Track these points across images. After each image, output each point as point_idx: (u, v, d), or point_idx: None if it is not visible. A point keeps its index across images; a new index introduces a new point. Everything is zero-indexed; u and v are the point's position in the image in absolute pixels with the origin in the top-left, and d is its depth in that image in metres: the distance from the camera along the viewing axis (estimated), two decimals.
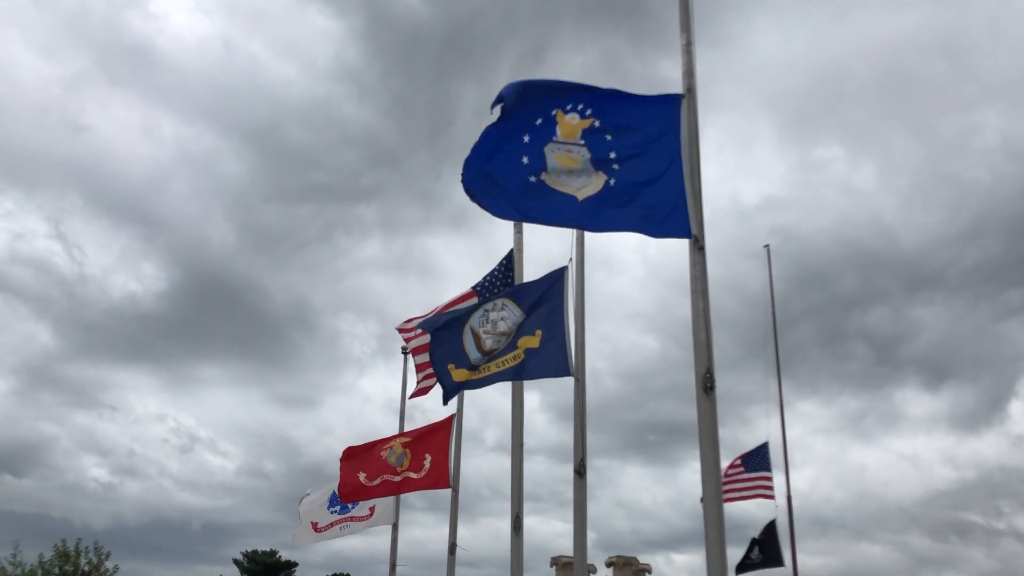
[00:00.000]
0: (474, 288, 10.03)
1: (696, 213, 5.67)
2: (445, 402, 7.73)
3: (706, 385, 5.18)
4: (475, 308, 7.73)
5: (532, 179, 6.05)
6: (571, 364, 7.25)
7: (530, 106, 6.07)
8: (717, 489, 5.25)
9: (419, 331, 10.55)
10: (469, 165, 6.07)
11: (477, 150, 6.08)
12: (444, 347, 7.54)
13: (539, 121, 6.07)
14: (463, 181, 6.08)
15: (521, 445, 9.14)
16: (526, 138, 6.07)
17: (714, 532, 5.09)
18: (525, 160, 6.06)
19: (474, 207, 6.15)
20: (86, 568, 26.49)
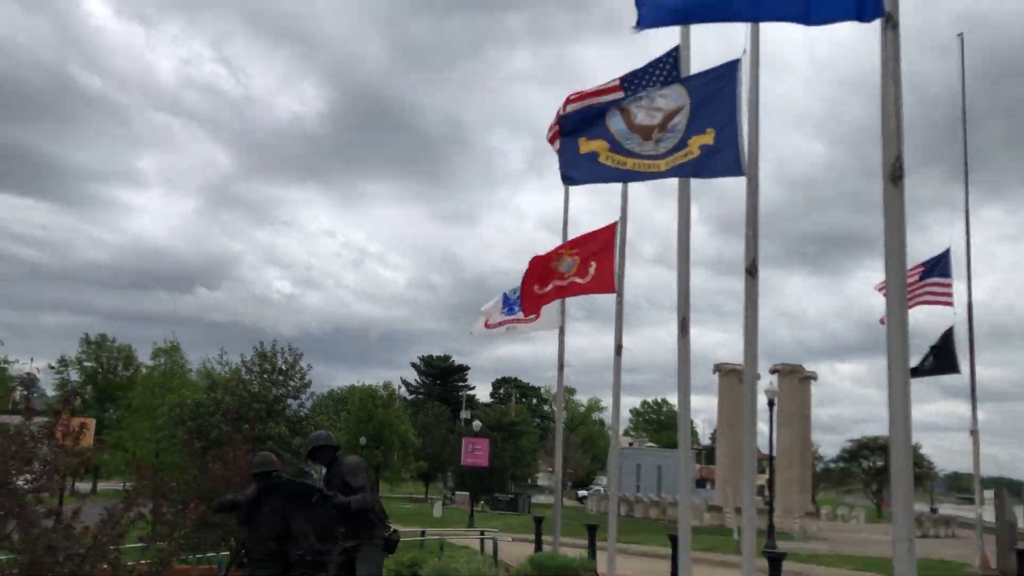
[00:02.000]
0: (621, 82, 8.25)
1: None
2: (571, 182, 7.16)
3: (895, 174, 4.83)
4: (623, 98, 7.21)
5: None
6: (743, 162, 6.95)
7: None
8: (902, 288, 5.00)
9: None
10: None
11: None
12: (577, 123, 6.97)
13: None
14: None
15: (688, 245, 9.02)
16: None
17: (897, 335, 4.88)
18: None
19: (628, 9, 5.73)
20: (283, 367, 29.17)
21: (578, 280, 11.49)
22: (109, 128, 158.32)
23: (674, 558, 13.17)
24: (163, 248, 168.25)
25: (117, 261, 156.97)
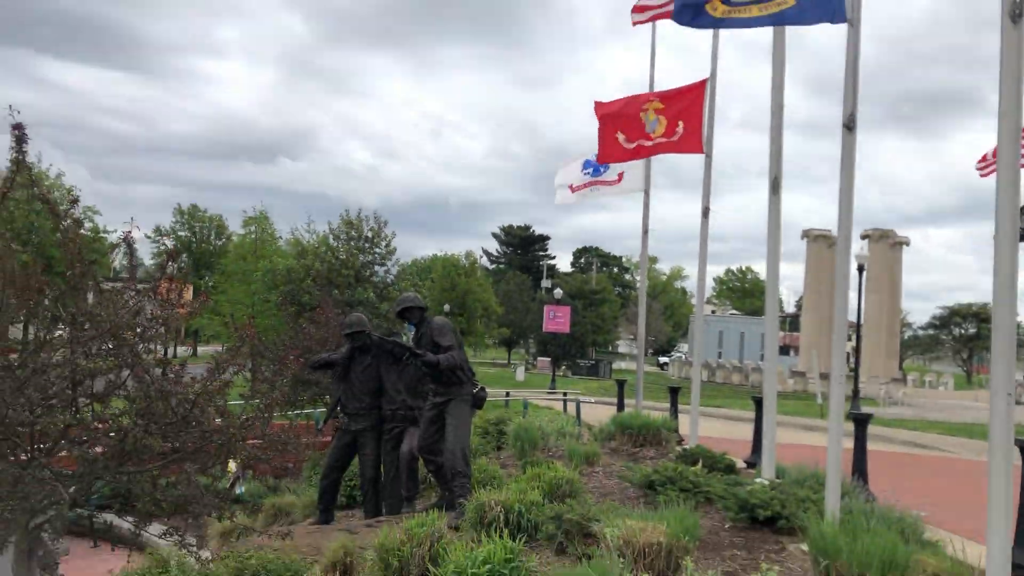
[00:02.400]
0: None
1: None
2: (682, 21, 6.85)
3: (1014, 12, 4.46)
4: None
5: None
6: (847, 7, 6.54)
7: None
8: (1015, 141, 4.70)
9: None
10: None
11: None
12: None
13: None
14: None
15: (781, 100, 8.65)
16: None
17: (1007, 197, 4.63)
18: None
19: None
20: (369, 235, 29.73)
21: (664, 140, 11.16)
22: None
23: (758, 420, 13.26)
24: (246, 119, 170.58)
25: (203, 132, 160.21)
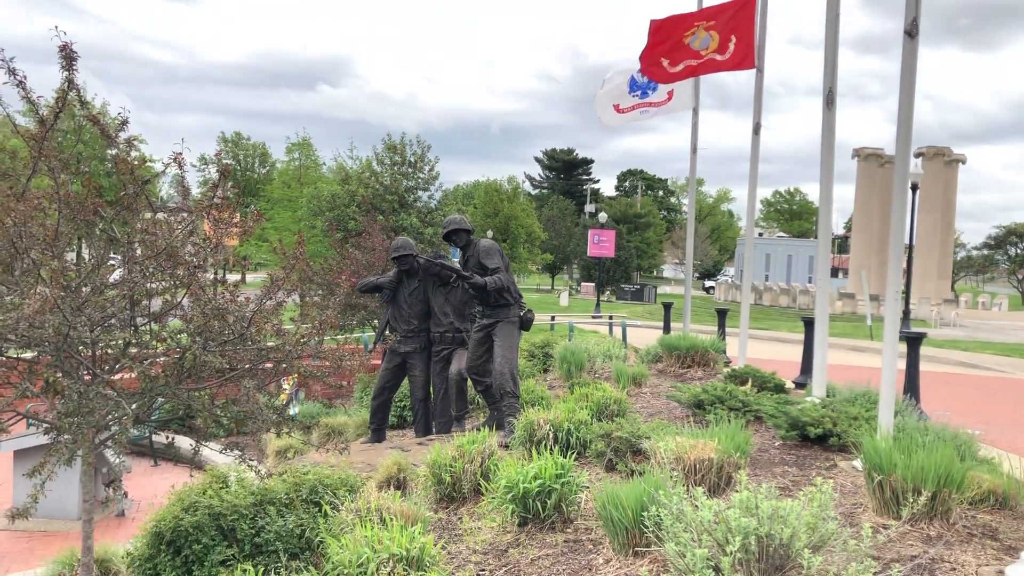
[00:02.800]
0: None
1: None
2: None
3: None
4: None
5: None
6: None
7: None
8: None
9: None
10: None
11: None
12: None
13: None
14: None
15: (838, 10, 8.32)
16: None
17: None
18: None
19: None
20: (412, 159, 29.61)
21: (717, 57, 10.83)
22: None
23: (808, 341, 13.16)
24: (285, 47, 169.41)
25: (243, 61, 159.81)
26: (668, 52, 11.08)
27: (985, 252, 72.07)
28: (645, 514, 4.23)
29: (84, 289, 4.42)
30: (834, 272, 79.51)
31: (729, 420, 8.01)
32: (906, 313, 27.70)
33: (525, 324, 8.92)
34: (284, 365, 4.78)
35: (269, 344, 4.76)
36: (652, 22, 11.09)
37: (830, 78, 8.34)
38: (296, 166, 59.29)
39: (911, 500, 4.59)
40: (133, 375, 4.72)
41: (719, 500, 3.97)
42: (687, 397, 8.68)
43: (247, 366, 4.64)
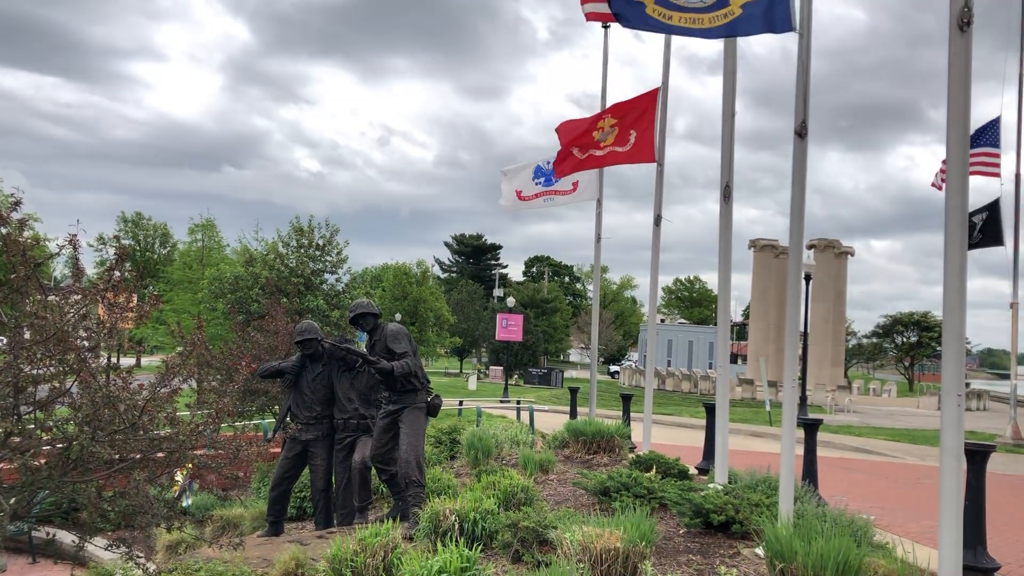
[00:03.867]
0: None
1: None
2: (622, 20, 6.77)
3: (962, 21, 4.57)
4: None
5: None
6: (794, 17, 6.63)
7: None
8: (964, 150, 4.80)
9: None
10: None
11: None
12: None
13: None
14: None
15: (733, 109, 8.75)
16: None
17: (956, 202, 4.73)
18: None
19: None
20: (319, 242, 29.36)
21: (618, 149, 11.23)
22: (127, 1, 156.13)
23: (709, 427, 13.38)
24: (190, 126, 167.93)
25: (145, 139, 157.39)
26: (578, 142, 11.45)
27: (874, 340, 75.34)
28: None
29: None
30: (733, 358, 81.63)
31: (635, 508, 8.03)
32: (803, 399, 28.55)
33: (432, 410, 8.81)
34: (177, 455, 4.57)
35: (162, 433, 4.55)
36: (561, 124, 11.49)
37: (727, 173, 8.71)
38: (199, 247, 58.04)
39: None
40: (13, 466, 4.44)
41: None
42: (593, 484, 8.67)
43: (138, 456, 4.42)
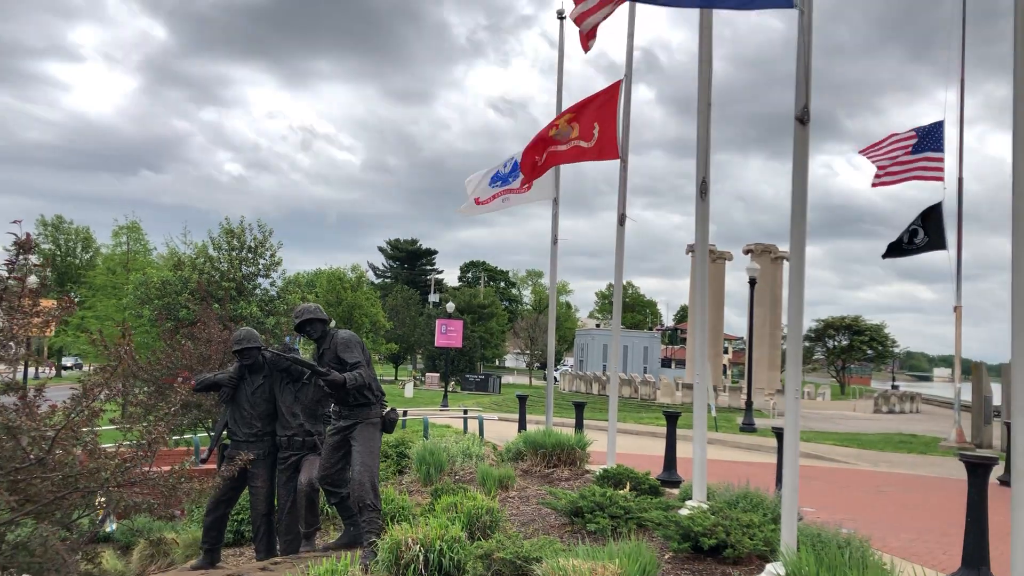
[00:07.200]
0: None
1: None
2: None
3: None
4: None
5: None
6: None
7: None
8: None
9: None
10: None
11: None
12: None
13: None
14: None
15: (709, 103, 8.17)
16: None
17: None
18: None
19: None
20: (252, 245, 28.06)
21: (583, 144, 10.58)
22: None
23: (670, 436, 12.88)
24: (106, 128, 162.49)
25: (60, 141, 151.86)
26: (537, 148, 10.82)
27: (806, 344, 76.49)
28: None
29: None
30: (667, 363, 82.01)
31: (612, 531, 7.37)
32: (748, 404, 28.39)
33: (388, 425, 7.97)
34: (100, 497, 3.72)
35: (79, 468, 3.69)
36: (525, 150, 10.90)
37: (703, 168, 8.14)
38: (123, 251, 55.69)
39: None
40: None
41: None
42: (564, 504, 7.99)
43: (48, 498, 3.55)
